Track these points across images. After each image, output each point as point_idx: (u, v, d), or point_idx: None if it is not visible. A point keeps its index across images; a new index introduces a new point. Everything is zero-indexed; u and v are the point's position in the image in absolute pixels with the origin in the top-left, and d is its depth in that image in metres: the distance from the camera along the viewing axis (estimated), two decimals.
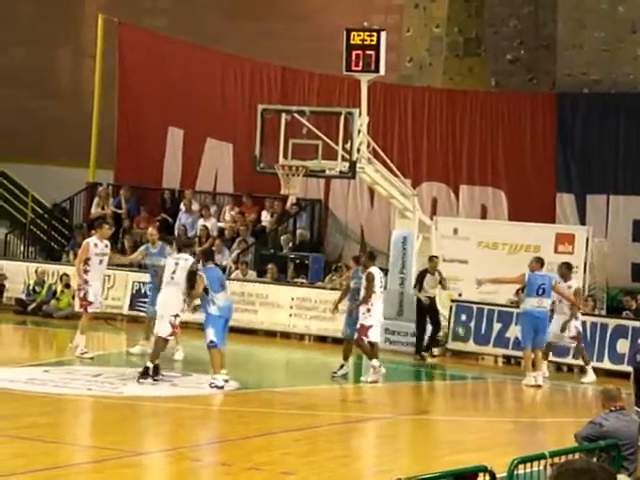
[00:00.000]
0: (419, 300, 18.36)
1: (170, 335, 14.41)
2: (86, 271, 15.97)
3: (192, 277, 14.34)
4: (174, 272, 14.44)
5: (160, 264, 16.02)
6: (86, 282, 15.97)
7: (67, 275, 21.11)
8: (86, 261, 15.99)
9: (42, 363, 15.77)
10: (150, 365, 14.31)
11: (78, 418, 13.26)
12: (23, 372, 14.82)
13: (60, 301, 21.06)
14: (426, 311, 18.38)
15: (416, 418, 13.98)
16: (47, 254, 23.88)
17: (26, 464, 10.09)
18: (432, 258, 18.46)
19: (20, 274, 21.77)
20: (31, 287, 21.58)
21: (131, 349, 16.73)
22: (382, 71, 18.12)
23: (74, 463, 10.76)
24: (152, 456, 11.01)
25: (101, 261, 16.16)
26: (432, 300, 18.38)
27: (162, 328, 14.37)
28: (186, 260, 14.54)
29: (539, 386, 16.28)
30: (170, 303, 14.42)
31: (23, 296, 21.57)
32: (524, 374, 16.44)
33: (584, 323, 17.24)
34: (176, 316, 14.40)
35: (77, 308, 16.28)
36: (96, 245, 16.11)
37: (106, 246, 16.30)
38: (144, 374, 14.26)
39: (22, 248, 23.95)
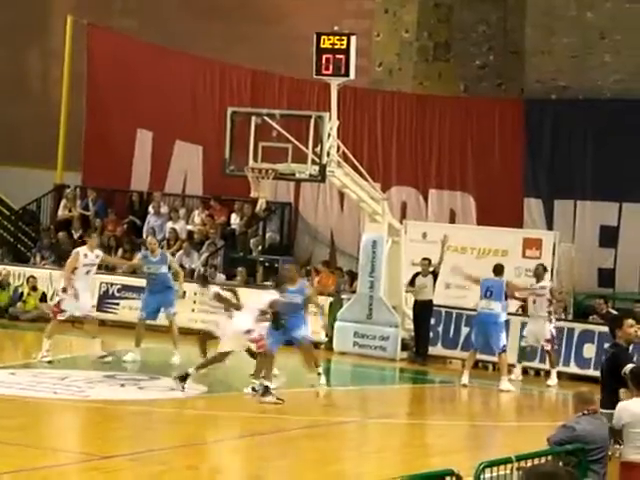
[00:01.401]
0: (415, 301, 18.43)
1: (259, 348, 14.49)
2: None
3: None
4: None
5: (161, 272, 16.15)
6: (64, 291, 15.92)
7: (34, 277, 20.97)
8: (72, 270, 15.90)
9: (8, 366, 15.65)
10: (268, 384, 14.25)
11: (44, 421, 13.17)
12: None
13: (26, 303, 20.91)
14: (417, 313, 18.40)
15: (384, 422, 13.99)
16: (14, 256, 23.70)
17: None
18: (422, 260, 18.48)
19: None
20: None
21: (123, 357, 16.48)
22: (352, 75, 18.13)
23: (39, 466, 10.68)
24: (118, 460, 10.95)
25: (88, 271, 16.13)
26: (426, 303, 18.28)
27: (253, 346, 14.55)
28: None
29: (502, 390, 16.39)
30: (238, 324, 14.45)
31: None
32: (498, 377, 16.55)
33: None
34: (248, 332, 14.36)
35: (47, 309, 16.09)
36: (86, 255, 16.10)
37: (97, 257, 16.30)
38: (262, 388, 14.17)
39: None
